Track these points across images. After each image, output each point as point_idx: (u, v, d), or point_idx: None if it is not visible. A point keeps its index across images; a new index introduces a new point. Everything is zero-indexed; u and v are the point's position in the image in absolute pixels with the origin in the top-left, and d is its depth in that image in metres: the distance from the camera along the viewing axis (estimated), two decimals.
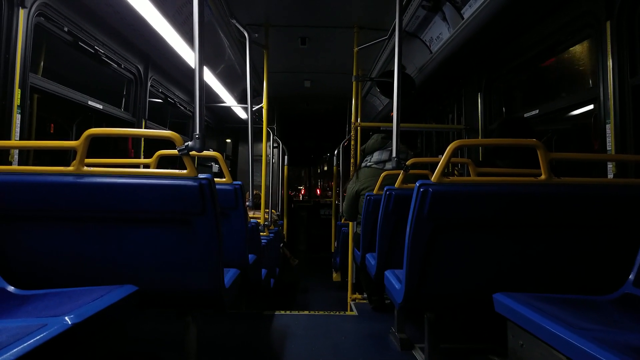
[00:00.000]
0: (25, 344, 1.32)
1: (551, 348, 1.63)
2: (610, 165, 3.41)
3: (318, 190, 17.29)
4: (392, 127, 3.23)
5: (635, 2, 3.23)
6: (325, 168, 16.88)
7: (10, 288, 2.12)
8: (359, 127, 5.71)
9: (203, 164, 9.47)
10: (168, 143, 2.29)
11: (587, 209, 2.39)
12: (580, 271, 2.49)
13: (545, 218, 2.40)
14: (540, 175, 2.38)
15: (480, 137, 5.85)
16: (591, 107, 3.93)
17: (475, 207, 2.38)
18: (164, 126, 7.23)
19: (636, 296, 2.14)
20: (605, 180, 2.98)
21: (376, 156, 4.94)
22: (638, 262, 2.22)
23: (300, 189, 17.21)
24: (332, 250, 9.67)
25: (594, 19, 3.53)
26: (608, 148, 3.36)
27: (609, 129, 3.34)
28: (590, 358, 1.39)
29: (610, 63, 3.34)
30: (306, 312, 4.72)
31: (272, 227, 6.97)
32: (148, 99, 5.75)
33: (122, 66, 5.17)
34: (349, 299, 5.50)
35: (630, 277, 2.21)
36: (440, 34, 5.07)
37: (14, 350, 1.28)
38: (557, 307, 1.87)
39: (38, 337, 1.37)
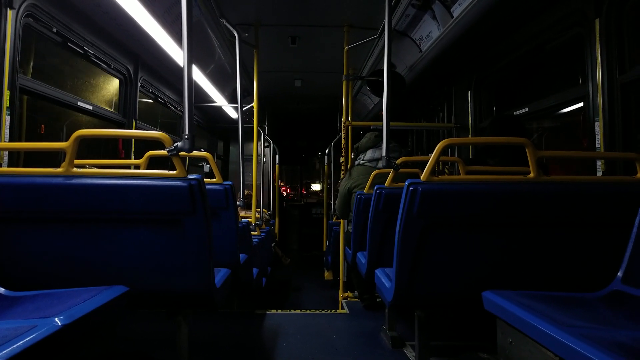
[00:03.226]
0: (14, 346, 1.32)
1: (539, 345, 1.64)
2: (599, 163, 3.43)
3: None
4: (382, 126, 3.24)
5: (623, 0, 3.25)
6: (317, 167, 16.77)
7: (0, 289, 2.12)
8: (349, 126, 5.72)
9: (194, 164, 9.45)
10: (159, 143, 2.29)
11: (576, 206, 2.41)
12: (569, 269, 2.51)
13: (534, 216, 2.42)
14: (529, 173, 2.39)
15: (470, 135, 5.87)
16: (580, 104, 3.95)
17: (464, 205, 2.40)
18: (155, 126, 7.21)
19: (624, 293, 2.16)
20: (593, 177, 3.00)
21: (369, 154, 4.95)
22: (626, 260, 2.24)
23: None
24: (324, 249, 9.68)
25: (583, 17, 3.55)
26: (597, 145, 3.38)
27: (598, 127, 3.37)
28: (577, 355, 1.40)
29: (599, 61, 3.37)
30: (298, 311, 4.73)
31: (263, 226, 6.97)
32: (138, 99, 5.73)
33: (112, 66, 5.15)
34: (340, 298, 5.51)
35: (618, 274, 2.23)
36: (430, 32, 5.08)
37: (4, 352, 1.28)
38: (546, 305, 1.88)
39: (28, 339, 1.37)
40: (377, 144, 4.99)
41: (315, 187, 16.85)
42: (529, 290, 2.11)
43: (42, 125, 4.92)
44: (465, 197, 2.37)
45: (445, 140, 2.50)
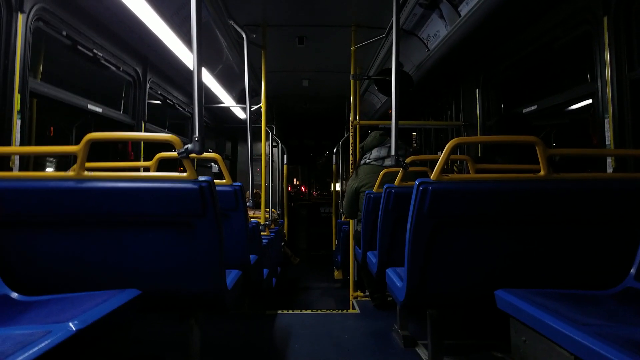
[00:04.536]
0: (30, 352, 1.32)
1: (554, 343, 1.63)
2: (609, 160, 3.41)
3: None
4: (390, 124, 3.24)
5: None
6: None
7: (14, 294, 2.13)
8: (357, 125, 5.72)
9: (203, 164, 9.46)
10: (167, 144, 2.29)
11: (587, 204, 2.39)
12: (582, 266, 2.49)
13: (545, 214, 2.41)
14: (540, 171, 2.38)
15: (478, 133, 5.85)
16: (589, 102, 3.93)
17: (475, 204, 2.39)
18: (163, 127, 7.22)
19: (638, 290, 2.15)
20: (604, 175, 2.99)
21: (375, 153, 4.95)
22: (639, 256, 2.23)
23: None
24: (333, 248, 9.67)
25: (591, 14, 3.53)
26: (607, 142, 3.36)
27: (608, 124, 3.35)
28: (592, 353, 1.40)
29: (607, 58, 3.35)
30: (308, 311, 4.73)
31: (272, 226, 6.98)
32: (147, 101, 5.75)
33: (121, 69, 5.16)
34: (350, 297, 5.51)
35: (631, 271, 2.22)
36: (438, 31, 5.07)
37: (20, 357, 1.28)
38: (559, 303, 1.88)
39: (43, 344, 1.37)
40: (382, 143, 4.98)
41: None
42: (541, 289, 2.10)
43: (52, 127, 4.95)
44: (477, 195, 2.36)
45: (455, 139, 2.49)
